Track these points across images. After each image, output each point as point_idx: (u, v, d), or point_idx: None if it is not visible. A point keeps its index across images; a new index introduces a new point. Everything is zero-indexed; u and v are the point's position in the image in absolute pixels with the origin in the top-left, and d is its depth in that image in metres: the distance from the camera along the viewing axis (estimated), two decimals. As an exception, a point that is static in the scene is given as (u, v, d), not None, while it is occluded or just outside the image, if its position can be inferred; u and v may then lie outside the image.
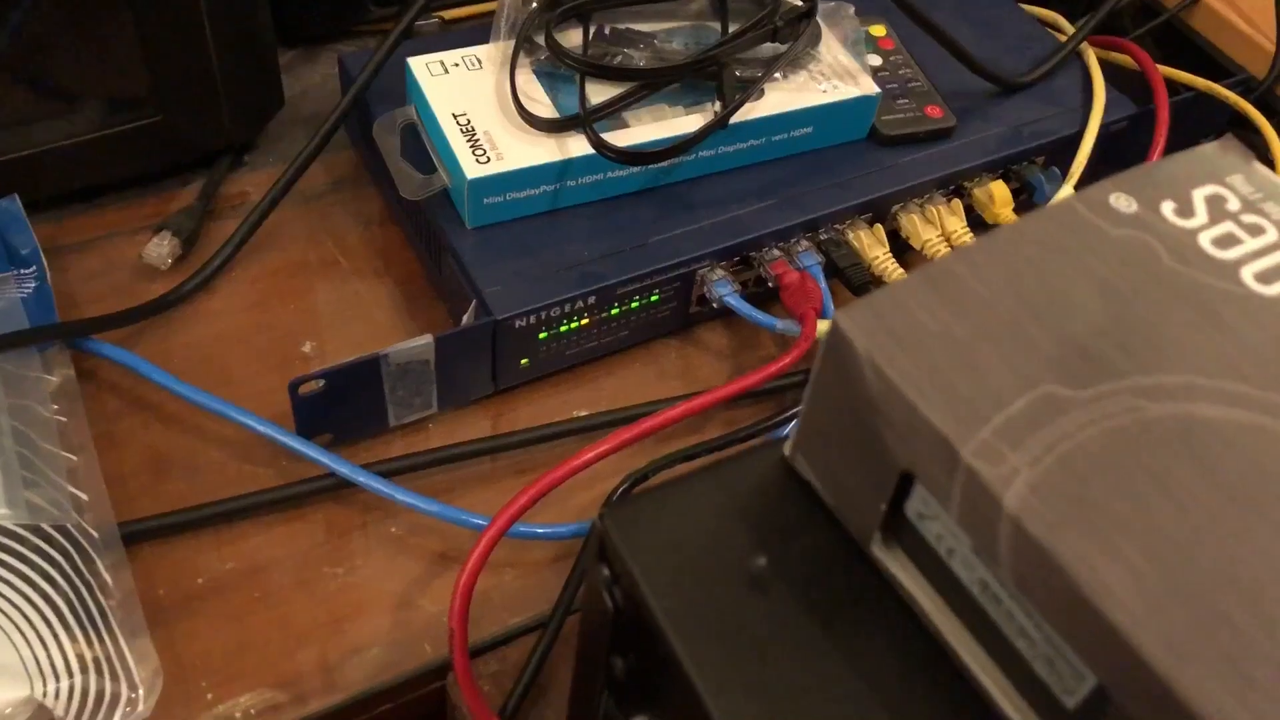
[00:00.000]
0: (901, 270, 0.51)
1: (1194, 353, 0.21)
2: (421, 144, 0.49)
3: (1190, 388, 0.21)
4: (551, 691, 0.41)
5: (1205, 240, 0.23)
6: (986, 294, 0.22)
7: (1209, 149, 0.26)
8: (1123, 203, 0.24)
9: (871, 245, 0.51)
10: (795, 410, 0.45)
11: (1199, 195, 0.24)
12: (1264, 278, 0.23)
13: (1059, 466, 0.20)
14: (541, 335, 0.46)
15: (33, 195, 0.49)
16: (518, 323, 0.45)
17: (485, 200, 0.46)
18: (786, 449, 0.25)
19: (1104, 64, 0.60)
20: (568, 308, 0.46)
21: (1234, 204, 0.24)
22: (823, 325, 0.47)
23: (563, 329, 0.47)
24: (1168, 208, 0.24)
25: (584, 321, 0.47)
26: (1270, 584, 0.19)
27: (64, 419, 0.42)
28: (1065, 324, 0.22)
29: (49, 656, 0.35)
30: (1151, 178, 0.25)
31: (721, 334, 0.52)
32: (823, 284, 0.49)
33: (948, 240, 0.52)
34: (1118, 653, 0.18)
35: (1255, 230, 0.24)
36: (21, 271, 0.45)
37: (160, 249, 0.49)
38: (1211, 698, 0.18)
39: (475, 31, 0.53)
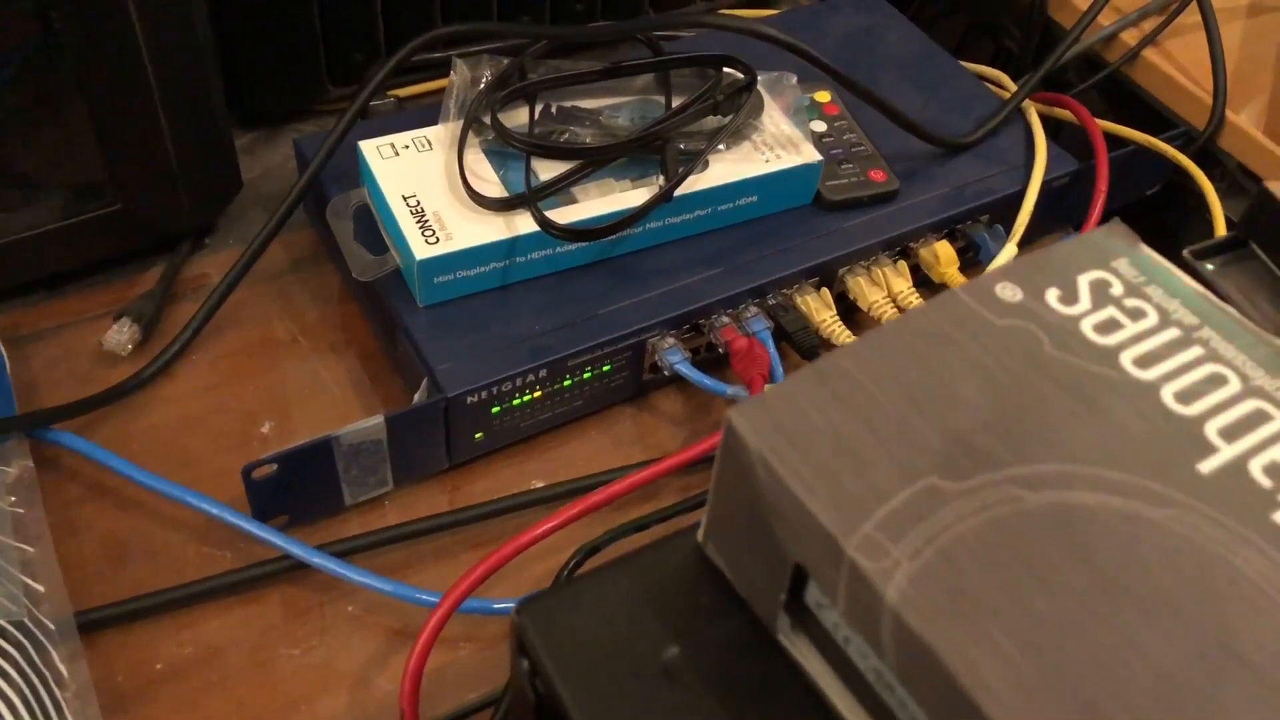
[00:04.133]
0: (849, 333, 0.52)
1: (1072, 441, 0.22)
2: (374, 224, 0.50)
3: (1068, 476, 0.22)
4: (507, 767, 0.41)
5: (1087, 326, 0.24)
6: (873, 389, 0.23)
7: (1097, 234, 0.27)
8: (1008, 292, 0.25)
9: (819, 309, 0.52)
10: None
11: (1084, 281, 0.25)
12: (1142, 362, 0.24)
13: (938, 558, 0.21)
14: (494, 410, 0.47)
15: (-3, 285, 0.50)
16: (469, 399, 0.46)
17: (435, 279, 0.47)
18: (699, 535, 0.26)
19: (1048, 120, 0.61)
20: (519, 381, 0.47)
21: (1117, 288, 0.25)
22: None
23: (515, 402, 0.48)
24: (1052, 295, 0.25)
25: (536, 394, 0.48)
26: (1140, 673, 0.19)
27: (20, 510, 0.42)
28: (948, 417, 0.23)
29: (2, 752, 0.36)
30: (1038, 265, 0.26)
31: (676, 399, 0.53)
32: (771, 349, 0.50)
33: (894, 301, 0.53)
34: (994, 742, 0.19)
35: (1136, 314, 0.25)
36: (-19, 364, 0.46)
37: (120, 336, 0.50)
38: (1079, 787, 0.18)
39: (430, 110, 0.54)
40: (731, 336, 0.50)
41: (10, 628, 0.38)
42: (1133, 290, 0.25)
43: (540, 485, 0.48)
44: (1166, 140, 0.60)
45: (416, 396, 0.46)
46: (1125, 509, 0.21)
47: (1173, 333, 0.24)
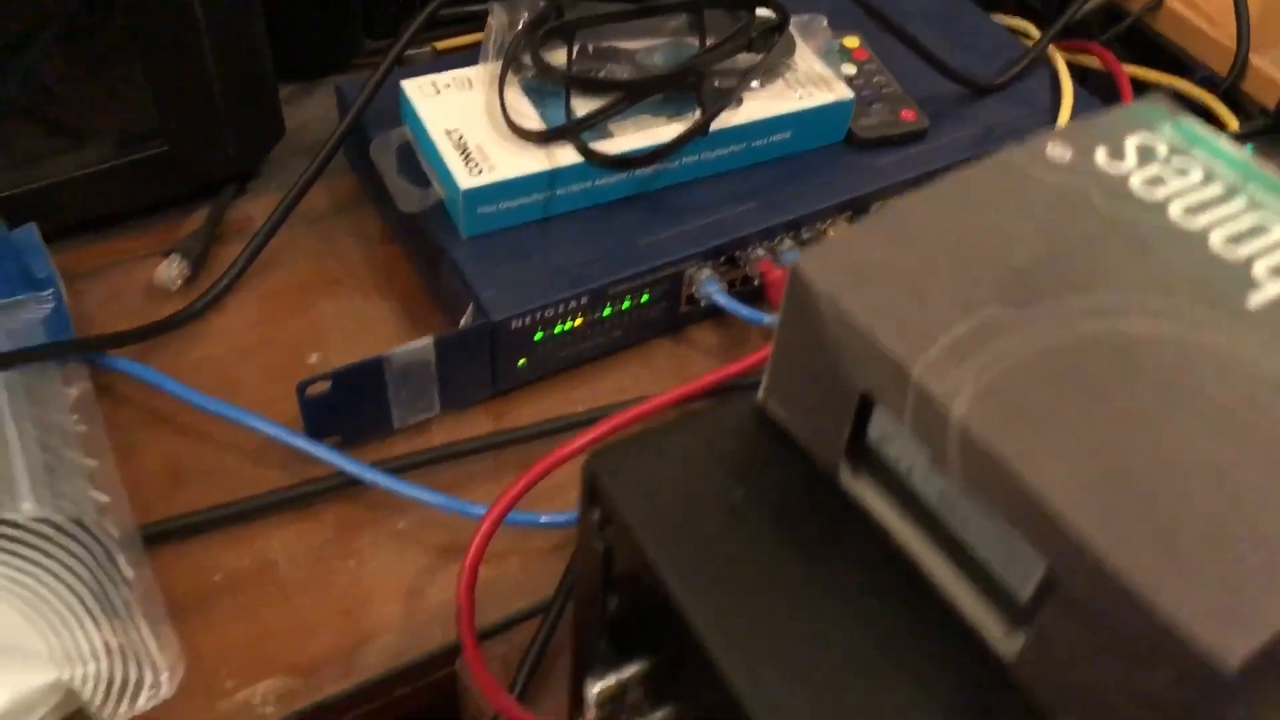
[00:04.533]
0: (881, 264, 0.53)
1: (1124, 276, 0.23)
2: (417, 162, 0.51)
3: (1121, 307, 0.23)
4: (556, 672, 0.42)
5: (1135, 182, 0.26)
6: (931, 232, 0.24)
7: (1141, 103, 0.28)
8: (1058, 151, 0.26)
9: (852, 242, 0.53)
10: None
11: (1130, 143, 0.26)
12: (1189, 211, 0.25)
13: (1000, 378, 0.22)
14: (537, 336, 0.48)
15: (49, 226, 0.51)
16: (514, 324, 0.47)
17: (479, 209, 0.49)
18: (759, 395, 0.27)
19: (1072, 67, 0.62)
20: (561, 309, 0.48)
21: (1163, 150, 0.26)
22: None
23: (557, 330, 0.49)
24: (1100, 154, 0.26)
25: (577, 322, 0.49)
26: (1193, 469, 0.20)
27: (83, 428, 0.43)
28: (1004, 256, 0.24)
29: (75, 643, 0.37)
30: (1086, 129, 0.27)
31: (711, 333, 0.54)
32: (806, 279, 0.51)
33: (925, 235, 0.54)
34: (1059, 536, 0.20)
35: (1182, 172, 0.26)
36: (40, 295, 0.47)
37: (170, 271, 0.52)
38: (1143, 567, 0.19)
39: (466, 58, 0.56)
40: (767, 268, 0.51)
41: (79, 531, 0.40)
42: (1177, 150, 0.26)
43: (582, 410, 0.50)
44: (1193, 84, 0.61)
45: (463, 321, 0.47)
46: (1178, 335, 0.22)
47: (1217, 188, 0.25)
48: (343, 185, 0.59)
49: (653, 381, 0.52)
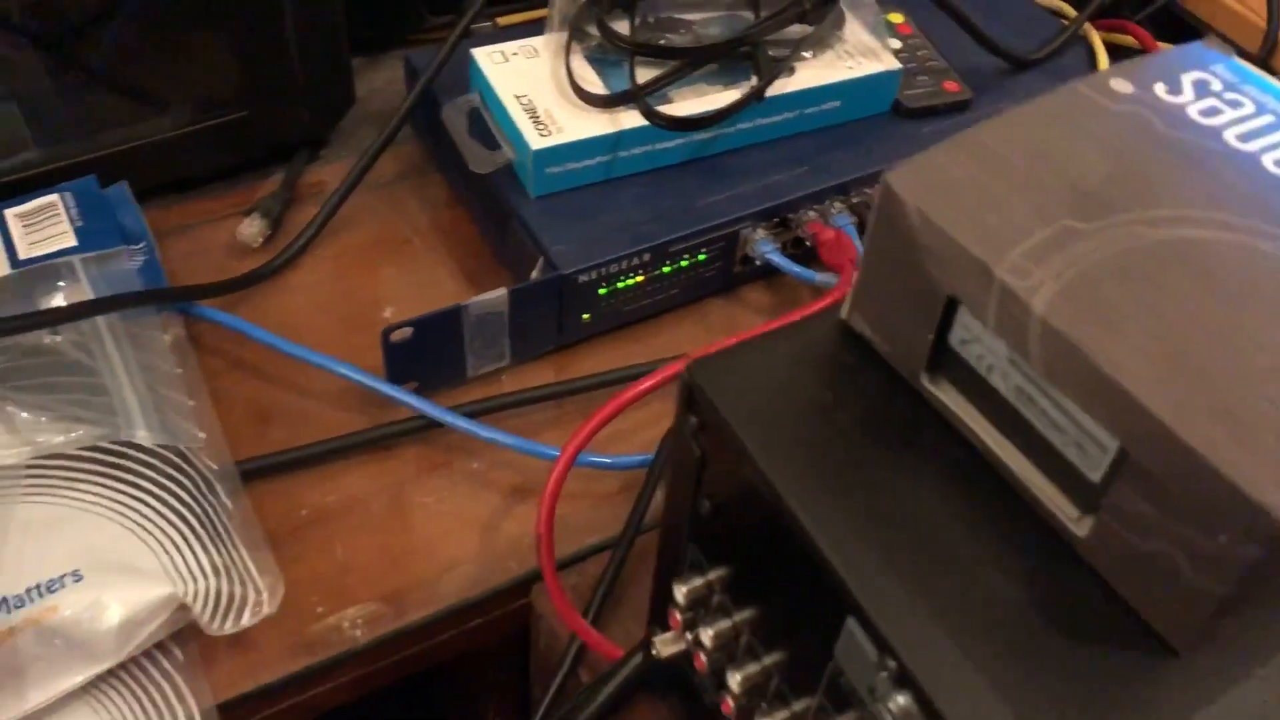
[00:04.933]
0: (928, 226, 0.55)
1: (1187, 192, 0.26)
2: (485, 127, 0.54)
3: (1183, 218, 0.25)
4: (626, 602, 0.45)
5: (1192, 111, 0.28)
6: (1008, 153, 0.27)
7: (1195, 45, 0.30)
8: (1120, 85, 0.28)
9: (899, 205, 0.55)
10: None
11: (1187, 79, 0.29)
12: (1243, 137, 0.27)
13: (1077, 278, 0.24)
14: (601, 290, 0.51)
15: (137, 186, 0.54)
16: (581, 278, 0.50)
17: (547, 170, 0.51)
18: (843, 311, 0.30)
19: (1107, 45, 0.64)
20: (625, 264, 0.51)
21: (1217, 85, 0.29)
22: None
23: (620, 285, 0.51)
24: (1159, 88, 0.28)
25: (639, 278, 0.52)
26: (1254, 354, 0.23)
27: (179, 371, 0.46)
28: (1075, 175, 0.26)
29: (184, 562, 0.40)
30: (1145, 66, 0.29)
31: (763, 293, 0.57)
32: (856, 241, 0.53)
33: (969, 200, 0.57)
34: (1132, 415, 0.23)
35: (1235, 104, 0.28)
36: (133, 246, 0.50)
37: (252, 228, 0.54)
38: (1209, 438, 0.22)
39: (526, 31, 0.58)
40: (818, 229, 0.54)
41: (182, 462, 0.42)
42: (1230, 87, 0.29)
43: (642, 363, 0.52)
44: (1223, 58, 0.63)
45: (534, 273, 0.50)
46: (1239, 241, 0.25)
47: (1268, 118, 0.28)
48: (407, 153, 0.61)
49: (707, 338, 0.54)
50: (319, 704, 0.43)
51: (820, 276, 0.53)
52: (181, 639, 0.41)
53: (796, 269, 0.53)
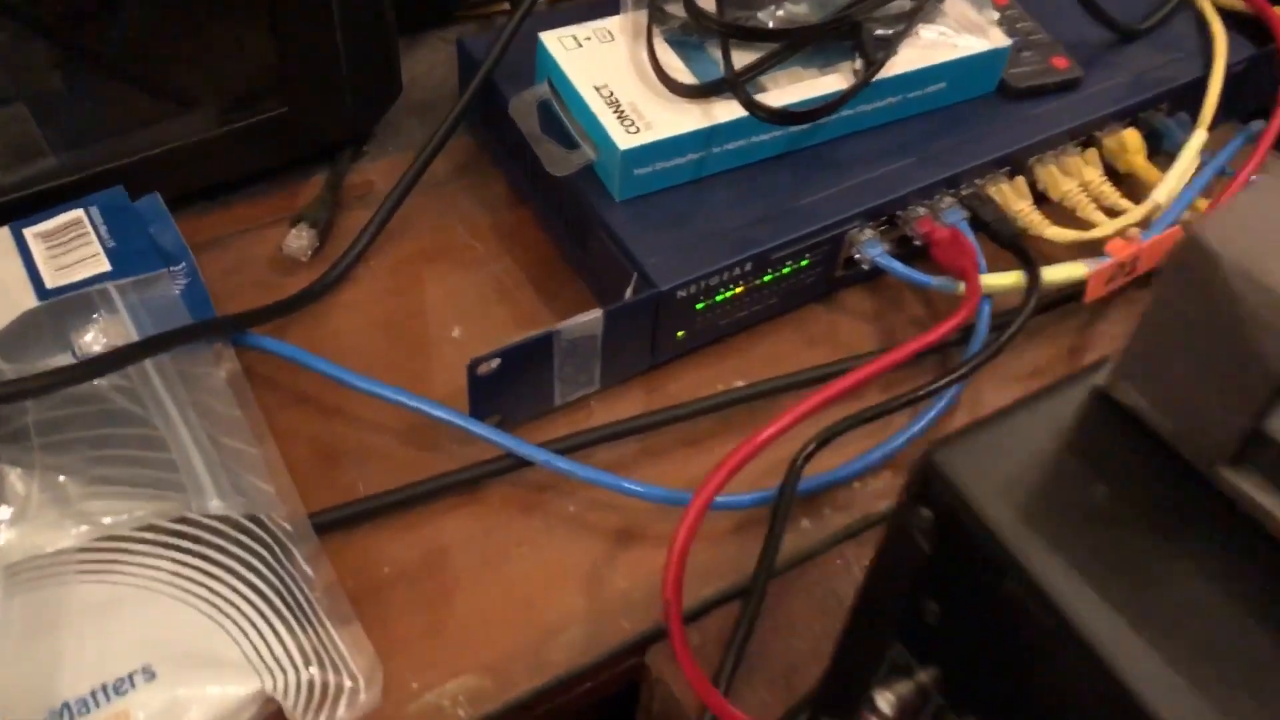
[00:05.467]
0: (1048, 222, 0.50)
1: None
2: (557, 122, 0.48)
3: None
4: (757, 661, 0.40)
5: None
6: (1348, 197, 0.22)
7: None
8: None
9: (1015, 198, 0.50)
10: (963, 364, 0.44)
11: None
12: None
13: None
14: (699, 305, 0.46)
15: (166, 195, 0.48)
16: (679, 293, 0.45)
17: (635, 171, 0.46)
18: (1102, 379, 0.25)
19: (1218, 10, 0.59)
20: (725, 276, 0.45)
21: None
22: (987, 279, 0.46)
23: (719, 298, 0.46)
24: None
25: (739, 290, 0.47)
26: None
27: (238, 412, 0.41)
28: None
29: (269, 649, 0.35)
30: None
31: (864, 298, 0.51)
32: (973, 239, 0.48)
33: (1086, 190, 0.52)
34: None
35: None
36: (172, 269, 0.44)
37: (300, 240, 0.49)
38: None
39: (584, 10, 0.52)
40: (929, 228, 0.49)
41: (254, 527, 0.37)
42: None
43: (742, 384, 0.47)
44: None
45: (628, 292, 0.45)
46: None
47: None
48: (460, 147, 0.55)
49: (808, 349, 0.49)
50: (416, 788, 0.39)
51: (935, 280, 0.48)
52: (266, 728, 0.36)
53: (912, 273, 0.48)
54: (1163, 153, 0.55)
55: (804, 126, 0.48)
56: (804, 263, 0.48)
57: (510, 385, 0.43)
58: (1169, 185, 0.51)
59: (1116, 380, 0.24)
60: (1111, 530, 0.23)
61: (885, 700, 0.28)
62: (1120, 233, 0.49)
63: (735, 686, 0.39)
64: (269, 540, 0.37)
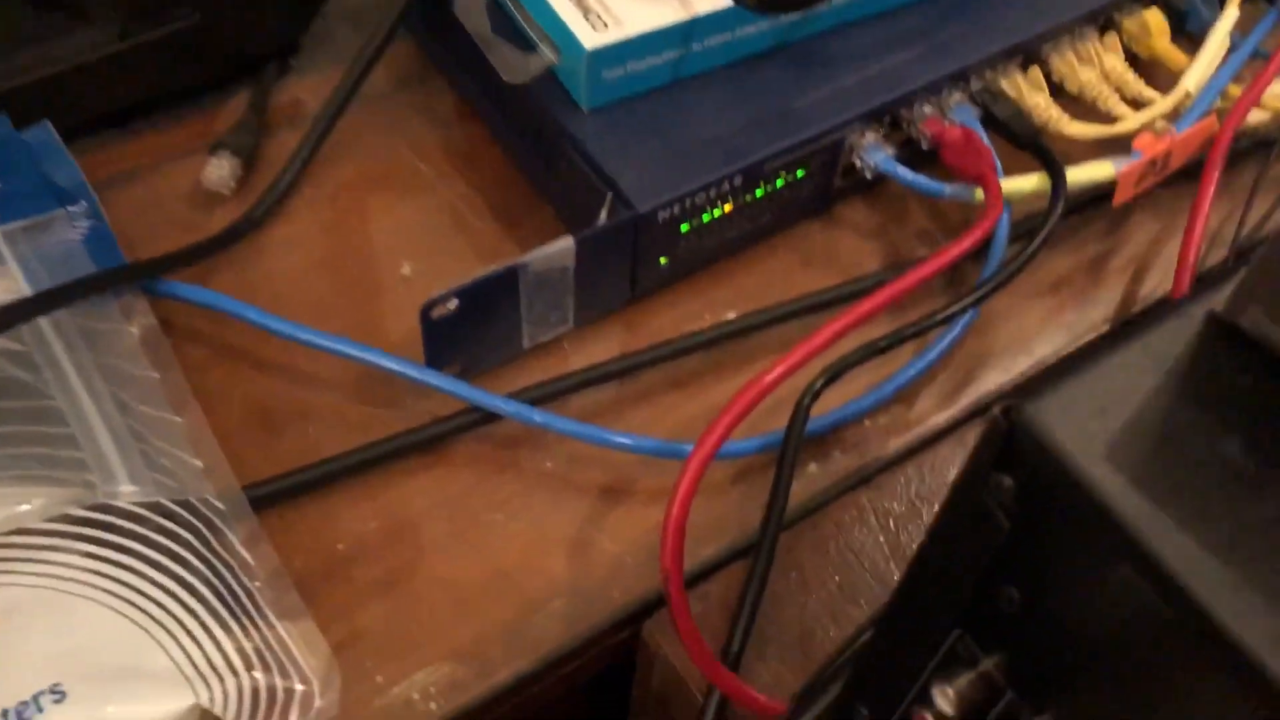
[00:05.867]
0: (1068, 117, 0.45)
1: None
2: (511, 22, 0.42)
3: None
4: (768, 628, 0.35)
5: None
6: None
7: None
8: None
9: (1031, 91, 0.45)
10: (985, 282, 0.39)
11: None
12: None
13: None
14: (684, 228, 0.40)
15: (61, 124, 0.41)
16: (660, 215, 0.39)
17: (604, 75, 0.40)
18: (1220, 305, 0.20)
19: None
20: (713, 192, 0.40)
21: None
22: (1007, 184, 0.41)
23: (705, 218, 0.41)
24: None
25: (727, 207, 0.41)
26: None
27: (157, 375, 0.35)
28: None
29: (204, 655, 0.29)
30: None
31: (863, 211, 0.46)
32: (986, 140, 0.43)
33: (1108, 79, 0.46)
34: None
35: None
36: (70, 209, 0.38)
37: (221, 171, 0.42)
38: None
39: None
40: (938, 129, 0.43)
41: (180, 510, 0.31)
42: None
43: (734, 316, 0.42)
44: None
45: (602, 216, 0.39)
46: None
47: None
48: (401, 55, 0.49)
49: (804, 272, 0.44)
50: (387, 794, 0.34)
51: (950, 188, 0.42)
52: (204, 741, 0.31)
53: (923, 181, 0.42)
54: (1187, 35, 0.49)
55: (795, 15, 0.42)
56: (799, 174, 0.42)
57: (471, 329, 0.37)
58: (1198, 71, 0.45)
59: (1242, 304, 0.19)
60: (1251, 498, 0.18)
61: (945, 697, 0.23)
62: (1148, 126, 0.44)
63: (745, 657, 0.35)
64: (197, 524, 0.31)
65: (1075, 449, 0.18)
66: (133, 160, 0.44)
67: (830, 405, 0.39)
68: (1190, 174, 0.44)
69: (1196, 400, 0.19)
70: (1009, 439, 0.19)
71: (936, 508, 0.33)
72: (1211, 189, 0.42)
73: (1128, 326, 0.20)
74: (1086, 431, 0.18)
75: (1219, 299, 0.20)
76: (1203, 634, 0.17)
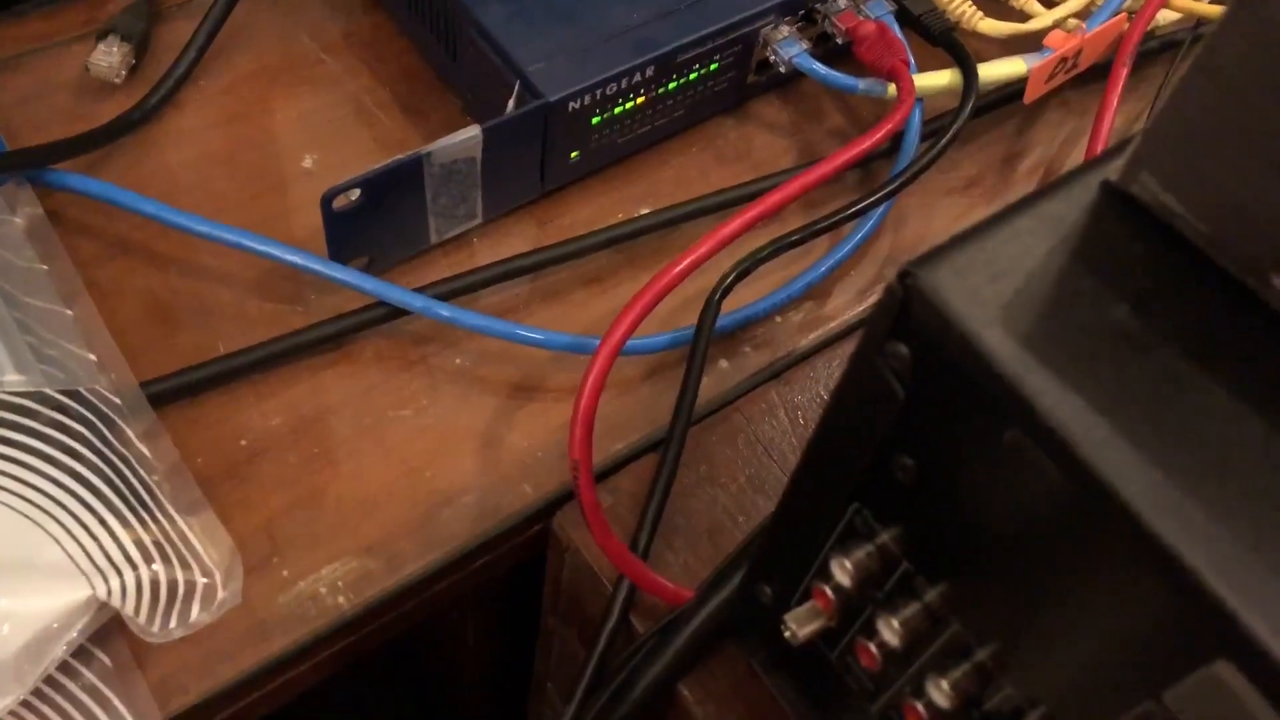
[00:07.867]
0: (981, 14, 0.44)
1: None
2: (414, -99, 0.40)
3: None
4: (677, 520, 0.35)
5: None
6: None
7: None
8: None
9: (945, -13, 0.44)
10: (896, 177, 0.39)
11: None
12: None
13: None
14: (594, 120, 0.39)
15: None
16: (571, 105, 0.38)
17: (511, -41, 0.38)
18: (1114, 173, 0.20)
19: None
20: (623, 83, 0.39)
21: None
22: (920, 79, 0.41)
23: (617, 110, 0.40)
24: None
25: (639, 100, 0.40)
26: None
27: (44, 267, 0.34)
28: None
29: (100, 547, 0.29)
30: None
31: (778, 107, 0.46)
32: (900, 35, 0.43)
33: (1021, -23, 0.46)
34: None
35: None
36: (-55, 94, 0.36)
37: (110, 58, 0.40)
38: None
39: None
40: (852, 23, 0.43)
41: (71, 402, 0.30)
42: None
43: (647, 211, 0.41)
44: None
45: (510, 105, 0.38)
46: None
47: None
48: (301, -59, 0.47)
49: (719, 168, 0.44)
50: (292, 690, 0.34)
51: (863, 83, 0.42)
52: (106, 636, 0.30)
53: (834, 75, 0.42)
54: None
55: (708, -98, 0.41)
56: (713, 67, 0.42)
57: (376, 221, 0.36)
58: (1110, -31, 0.45)
59: (1135, 172, 0.19)
60: (1137, 359, 0.18)
61: (843, 569, 0.23)
62: (1060, 24, 0.44)
63: (655, 548, 0.35)
64: (91, 418, 0.31)
65: (968, 313, 0.18)
66: (15, 46, 0.42)
67: (743, 301, 0.39)
68: (1101, 74, 0.45)
69: (1089, 266, 0.19)
70: (905, 307, 0.19)
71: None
72: (1119, 86, 0.42)
73: (1026, 197, 0.20)
74: (979, 297, 0.18)
75: (1114, 167, 0.20)
76: (1087, 489, 0.17)
